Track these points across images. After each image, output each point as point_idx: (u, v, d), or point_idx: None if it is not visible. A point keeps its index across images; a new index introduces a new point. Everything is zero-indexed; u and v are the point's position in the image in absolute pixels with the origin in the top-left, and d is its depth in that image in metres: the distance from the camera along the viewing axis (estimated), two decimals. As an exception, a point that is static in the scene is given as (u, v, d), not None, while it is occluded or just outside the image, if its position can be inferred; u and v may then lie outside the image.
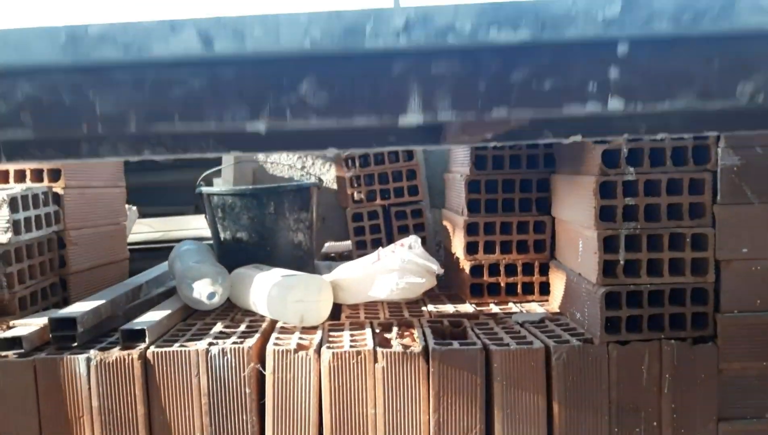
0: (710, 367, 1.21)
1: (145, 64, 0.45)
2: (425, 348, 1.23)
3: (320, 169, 3.07)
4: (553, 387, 1.22)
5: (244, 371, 1.24)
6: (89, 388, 1.25)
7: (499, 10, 0.43)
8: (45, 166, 1.62)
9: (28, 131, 0.45)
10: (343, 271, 1.59)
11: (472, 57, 0.44)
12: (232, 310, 1.56)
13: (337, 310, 1.52)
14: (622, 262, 1.21)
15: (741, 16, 0.41)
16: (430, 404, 1.22)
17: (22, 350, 1.26)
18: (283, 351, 1.23)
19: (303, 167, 3.03)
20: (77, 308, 1.37)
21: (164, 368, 1.25)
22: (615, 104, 0.44)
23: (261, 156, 2.84)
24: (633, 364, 1.21)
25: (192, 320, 1.48)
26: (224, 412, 1.25)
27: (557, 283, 1.49)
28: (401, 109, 0.45)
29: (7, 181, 1.63)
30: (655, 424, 1.22)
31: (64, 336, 1.30)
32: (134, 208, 2.39)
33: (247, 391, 1.25)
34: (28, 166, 1.61)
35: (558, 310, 1.48)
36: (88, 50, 0.44)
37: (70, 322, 1.29)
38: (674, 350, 1.20)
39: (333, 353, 1.22)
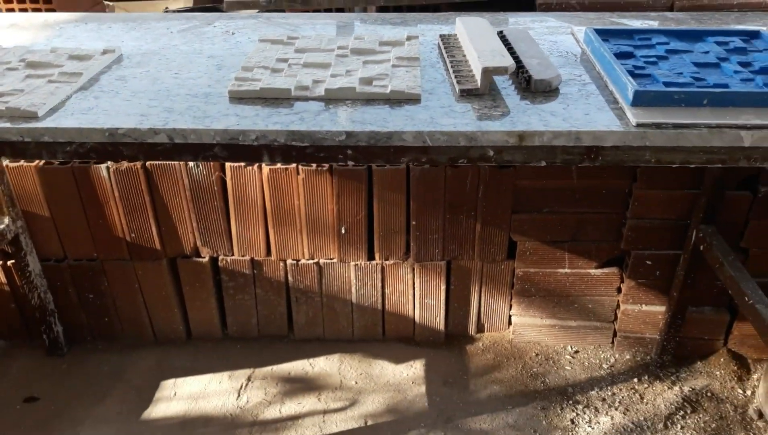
0: (510, 183, 1.90)
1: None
2: (330, 166, 1.89)
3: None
4: (411, 190, 1.91)
5: (213, 177, 1.91)
6: (111, 185, 1.92)
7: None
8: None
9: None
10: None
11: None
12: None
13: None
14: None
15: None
16: (333, 199, 1.93)
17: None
18: (236, 167, 1.89)
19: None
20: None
21: (160, 173, 1.91)
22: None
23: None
24: (460, 178, 1.89)
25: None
26: (202, 201, 1.95)
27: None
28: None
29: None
30: (472, 213, 1.96)
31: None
32: None
33: (215, 189, 1.93)
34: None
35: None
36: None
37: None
38: (488, 171, 1.88)
39: (270, 169, 1.88)
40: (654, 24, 1.44)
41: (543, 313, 2.14)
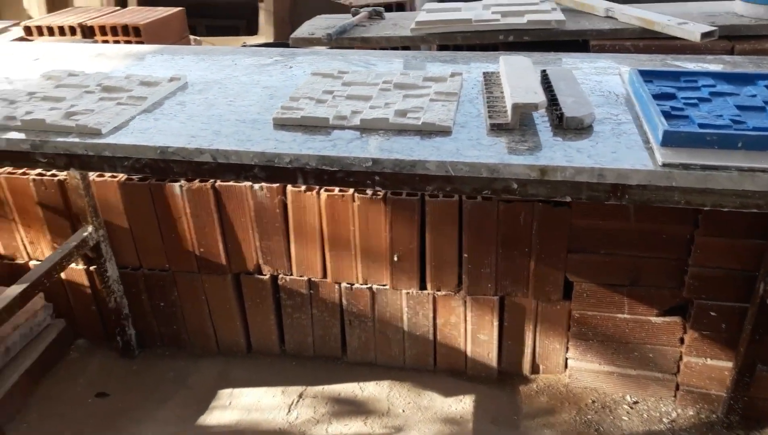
0: (565, 221, 1.87)
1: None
2: (384, 195, 1.94)
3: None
4: (463, 223, 1.93)
5: (275, 200, 2.02)
6: (183, 202, 2.06)
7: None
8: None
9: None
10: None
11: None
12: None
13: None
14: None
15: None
16: (387, 227, 1.97)
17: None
18: (296, 191, 1.98)
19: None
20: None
21: (228, 194, 2.03)
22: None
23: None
24: (513, 214, 1.89)
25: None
26: (265, 222, 2.06)
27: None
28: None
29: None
30: (526, 250, 1.94)
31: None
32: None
33: (277, 211, 2.03)
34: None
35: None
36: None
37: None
38: (541, 207, 1.86)
39: (327, 195, 1.96)
40: (708, 67, 1.40)
41: (601, 359, 2.07)
